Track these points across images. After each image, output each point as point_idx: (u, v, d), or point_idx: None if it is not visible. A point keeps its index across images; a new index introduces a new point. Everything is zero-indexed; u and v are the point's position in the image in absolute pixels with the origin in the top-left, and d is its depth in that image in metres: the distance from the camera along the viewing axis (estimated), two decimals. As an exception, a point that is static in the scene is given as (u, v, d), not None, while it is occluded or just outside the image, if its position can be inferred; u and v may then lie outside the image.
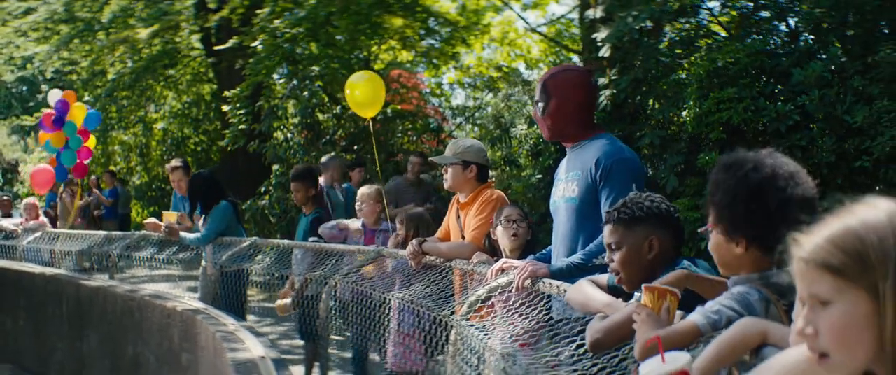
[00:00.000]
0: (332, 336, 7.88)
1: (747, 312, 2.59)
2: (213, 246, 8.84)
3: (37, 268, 11.00)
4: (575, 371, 3.16)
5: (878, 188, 9.76)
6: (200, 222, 9.53)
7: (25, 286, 10.31)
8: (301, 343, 8.67)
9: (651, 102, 11.99)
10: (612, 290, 3.59)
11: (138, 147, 29.34)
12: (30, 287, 10.22)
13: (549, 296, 4.36)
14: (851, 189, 9.98)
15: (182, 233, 9.31)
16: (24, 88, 44.74)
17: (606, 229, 3.64)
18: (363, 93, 9.79)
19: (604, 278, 3.72)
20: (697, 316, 2.68)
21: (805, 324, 1.77)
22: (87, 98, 26.26)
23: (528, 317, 4.21)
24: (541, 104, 4.92)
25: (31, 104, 41.13)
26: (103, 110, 26.06)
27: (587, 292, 3.62)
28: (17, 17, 24.84)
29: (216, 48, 18.78)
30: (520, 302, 4.44)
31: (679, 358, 2.34)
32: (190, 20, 21.89)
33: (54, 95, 17.15)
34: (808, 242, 1.74)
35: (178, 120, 29.07)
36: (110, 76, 26.05)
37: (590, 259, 4.34)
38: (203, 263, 9.13)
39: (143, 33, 22.05)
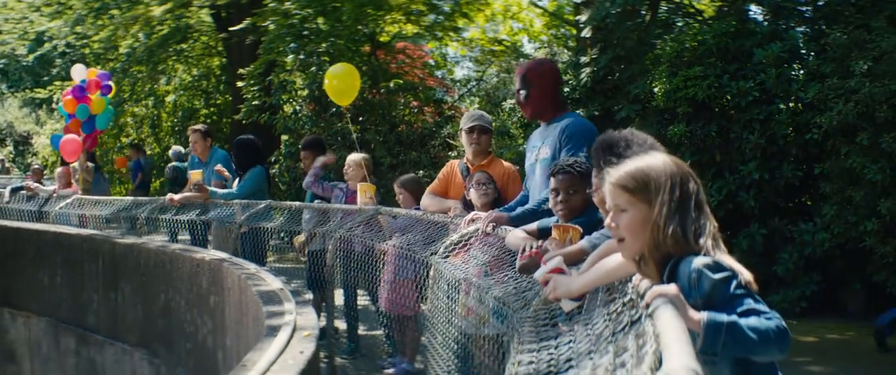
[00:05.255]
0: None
1: None
2: (239, 207, 9.91)
3: (73, 230, 11.81)
4: (515, 290, 4.29)
5: (836, 158, 10.73)
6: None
7: (62, 246, 11.03)
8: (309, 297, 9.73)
9: (648, 82, 12.90)
10: (541, 233, 4.76)
11: (150, 119, 30.08)
12: (67, 246, 10.97)
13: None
14: (806, 159, 11.06)
15: (212, 189, 10.43)
16: (33, 61, 45.29)
17: (562, 178, 4.85)
18: (340, 82, 10.70)
19: (534, 225, 4.92)
20: (584, 242, 3.86)
21: (610, 221, 3.03)
22: (99, 71, 26.89)
23: (491, 255, 5.33)
24: (523, 92, 6.20)
25: (45, 78, 41.72)
26: (116, 84, 26.78)
27: (517, 235, 4.82)
28: (31, -7, 25.45)
29: (230, 29, 19.46)
30: (490, 244, 5.55)
31: (553, 259, 3.51)
32: (201, -1, 22.42)
33: (79, 71, 17.90)
34: (616, 172, 2.98)
35: (188, 93, 29.76)
36: (122, 50, 26.62)
37: (539, 205, 5.54)
38: (214, 225, 10.18)
39: (157, 11, 22.60)
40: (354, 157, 9.49)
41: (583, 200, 4.79)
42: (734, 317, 2.60)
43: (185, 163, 17.79)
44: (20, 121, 56.27)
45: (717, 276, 2.72)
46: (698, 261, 2.76)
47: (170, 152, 22.89)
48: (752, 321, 2.61)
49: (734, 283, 2.72)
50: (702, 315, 2.58)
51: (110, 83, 17.33)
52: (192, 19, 24.88)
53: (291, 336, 4.31)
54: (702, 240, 2.83)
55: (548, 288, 3.43)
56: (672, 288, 2.59)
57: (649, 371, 1.63)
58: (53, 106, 33.34)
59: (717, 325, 2.57)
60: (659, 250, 2.88)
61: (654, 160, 2.98)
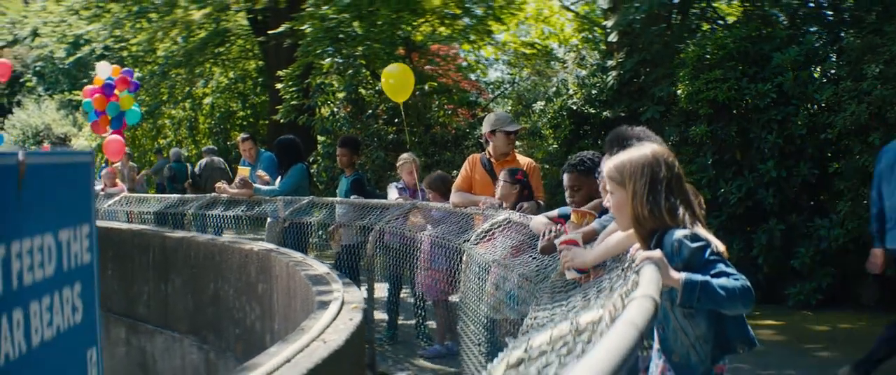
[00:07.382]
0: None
1: None
2: (282, 202, 10.52)
3: (124, 225, 12.40)
4: (537, 268, 4.87)
5: (850, 157, 11.16)
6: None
7: (114, 240, 11.50)
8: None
9: (671, 84, 13.39)
10: (562, 218, 5.35)
11: (187, 121, 30.64)
12: (118, 241, 11.45)
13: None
14: (821, 158, 11.51)
15: (256, 185, 11.10)
16: (70, 64, 45.84)
17: (569, 176, 5.46)
18: (397, 81, 11.41)
19: (556, 212, 5.51)
20: (595, 223, 4.44)
21: (606, 202, 3.67)
22: (138, 74, 27.46)
23: (516, 240, 5.89)
24: None
25: (82, 81, 42.28)
26: (155, 86, 27.33)
27: (540, 220, 5.41)
28: (70, -3, 25.99)
29: (269, 32, 20.01)
30: (515, 231, 6.11)
31: (575, 234, 4.09)
32: (239, 2, 22.87)
33: (104, 68, 18.43)
34: (608, 163, 3.60)
35: (226, 95, 30.32)
36: (160, 52, 27.16)
37: None
38: (269, 220, 10.77)
39: (196, 15, 23.06)
40: (407, 158, 10.12)
41: (587, 194, 5.46)
42: (707, 277, 3.24)
43: (185, 165, 18.63)
44: (57, 123, 56.92)
45: (694, 245, 3.37)
46: (679, 233, 3.42)
47: (170, 153, 23.45)
48: (722, 281, 3.24)
49: (708, 251, 3.36)
50: (681, 275, 3.21)
51: (135, 79, 17.92)
52: (229, 23, 25.35)
53: (341, 308, 4.91)
54: (679, 216, 3.46)
55: (564, 256, 4.02)
56: (657, 253, 3.19)
57: (620, 299, 2.18)
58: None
59: (693, 283, 3.20)
60: (641, 224, 3.52)
61: (636, 152, 3.60)
